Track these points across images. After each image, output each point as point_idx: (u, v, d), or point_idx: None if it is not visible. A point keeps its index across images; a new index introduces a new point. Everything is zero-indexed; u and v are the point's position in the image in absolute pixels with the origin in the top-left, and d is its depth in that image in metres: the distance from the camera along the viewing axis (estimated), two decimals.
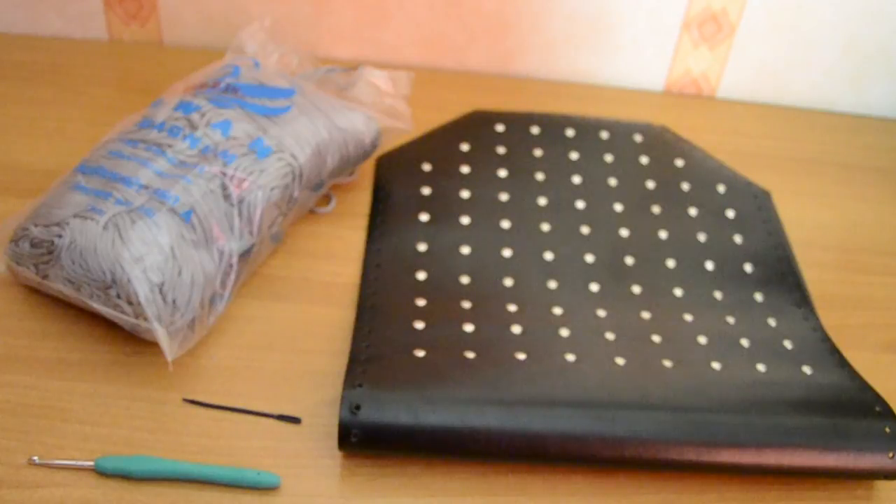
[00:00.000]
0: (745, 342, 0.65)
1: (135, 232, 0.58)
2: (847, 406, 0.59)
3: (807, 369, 0.63)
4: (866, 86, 0.91)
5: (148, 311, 0.57)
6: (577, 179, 0.76)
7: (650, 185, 0.77)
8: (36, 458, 0.55)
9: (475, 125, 0.80)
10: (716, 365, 0.63)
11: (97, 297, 0.58)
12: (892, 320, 0.71)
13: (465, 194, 0.74)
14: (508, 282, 0.68)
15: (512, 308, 0.66)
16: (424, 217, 0.72)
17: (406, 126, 0.74)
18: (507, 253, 0.70)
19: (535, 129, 0.80)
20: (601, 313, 0.67)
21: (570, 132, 0.80)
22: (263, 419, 0.59)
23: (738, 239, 0.74)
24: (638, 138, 0.80)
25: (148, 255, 0.58)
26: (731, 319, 0.67)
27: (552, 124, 0.80)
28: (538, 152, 0.78)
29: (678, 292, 0.69)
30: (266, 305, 0.66)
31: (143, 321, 0.57)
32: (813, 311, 0.69)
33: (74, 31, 0.89)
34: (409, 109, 0.74)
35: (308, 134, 0.68)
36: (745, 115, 0.90)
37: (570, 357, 0.62)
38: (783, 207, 0.79)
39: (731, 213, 0.76)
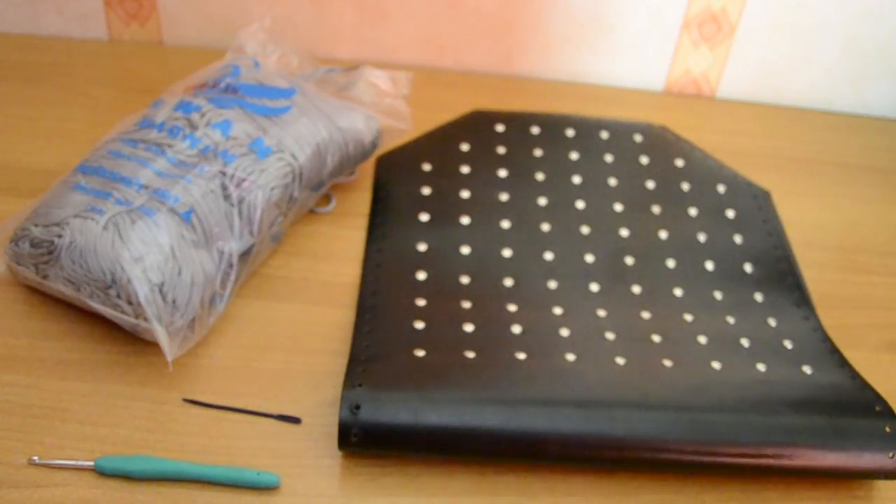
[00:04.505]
0: (745, 342, 0.65)
1: (135, 232, 0.58)
2: (847, 406, 0.59)
3: (807, 369, 0.63)
4: (866, 86, 0.92)
5: (148, 311, 0.57)
6: (577, 179, 0.76)
7: (650, 185, 0.77)
8: (36, 458, 0.54)
9: (475, 125, 0.80)
10: (716, 365, 0.63)
11: (97, 297, 0.58)
12: (892, 320, 0.71)
13: (465, 194, 0.74)
14: (508, 282, 0.68)
15: (512, 308, 0.66)
16: (424, 217, 0.72)
17: (406, 126, 0.74)
18: (507, 253, 0.70)
19: (535, 129, 0.80)
20: (601, 313, 0.67)
21: (570, 132, 0.80)
22: (263, 419, 0.59)
23: (737, 239, 0.74)
24: (638, 138, 0.80)
25: (148, 255, 0.58)
26: (731, 319, 0.67)
27: (552, 124, 0.80)
28: (538, 152, 0.78)
29: (678, 292, 0.69)
30: (266, 305, 0.66)
31: (143, 321, 0.57)
32: (813, 311, 0.69)
33: (74, 31, 0.89)
34: (409, 109, 0.74)
35: (308, 134, 0.68)
36: (745, 115, 0.90)
37: (570, 357, 0.62)
38: (783, 207, 0.79)
39: (731, 213, 0.76)
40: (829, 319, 0.70)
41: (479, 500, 0.56)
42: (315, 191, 0.70)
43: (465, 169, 0.76)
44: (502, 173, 0.76)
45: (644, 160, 0.78)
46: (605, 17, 0.87)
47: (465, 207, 0.73)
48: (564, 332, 0.64)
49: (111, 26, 0.88)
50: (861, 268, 0.75)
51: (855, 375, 0.63)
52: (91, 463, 0.54)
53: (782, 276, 0.71)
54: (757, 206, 0.77)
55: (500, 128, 0.80)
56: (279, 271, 0.68)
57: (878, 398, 0.60)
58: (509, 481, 0.57)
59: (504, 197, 0.74)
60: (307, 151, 0.67)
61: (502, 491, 0.57)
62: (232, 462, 0.56)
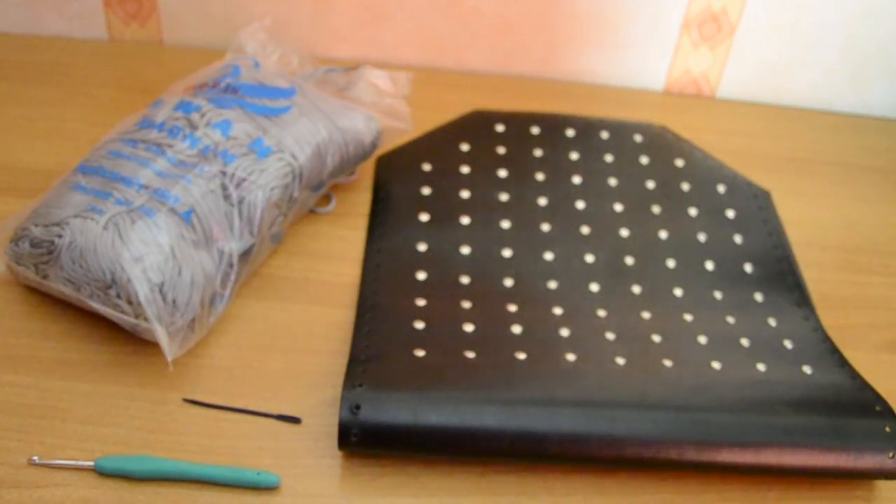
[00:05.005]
0: (745, 342, 0.65)
1: (135, 232, 0.58)
2: (847, 406, 0.59)
3: (807, 369, 0.63)
4: (866, 86, 0.92)
5: (148, 311, 0.57)
6: (577, 179, 0.76)
7: (650, 185, 0.77)
8: (36, 458, 0.55)
9: (475, 125, 0.80)
10: (716, 365, 0.63)
11: (97, 297, 0.58)
12: (892, 320, 0.71)
13: (465, 194, 0.74)
14: (508, 282, 0.68)
15: (512, 308, 0.66)
16: (424, 217, 0.72)
17: (406, 126, 0.74)
18: (507, 253, 0.70)
19: (535, 129, 0.80)
20: (601, 313, 0.67)
21: (570, 132, 0.80)
22: (263, 419, 0.59)
23: (737, 239, 0.74)
24: (638, 138, 0.80)
25: (148, 255, 0.58)
26: (731, 319, 0.67)
27: (552, 124, 0.80)
28: (538, 152, 0.78)
29: (678, 292, 0.69)
30: (266, 305, 0.66)
31: (143, 321, 0.57)
32: (813, 311, 0.69)
33: (74, 31, 0.89)
34: (409, 109, 0.74)
35: (308, 134, 0.68)
36: (745, 115, 0.90)
37: (570, 357, 0.62)
38: (783, 207, 0.79)
39: (730, 213, 0.76)
40: (829, 319, 0.70)
41: (479, 500, 0.56)
42: (315, 191, 0.70)
43: (465, 169, 0.76)
44: (502, 173, 0.76)
45: (644, 160, 0.79)
46: (604, 17, 0.87)
47: (465, 207, 0.73)
48: (564, 332, 0.64)
49: (111, 26, 0.88)
50: (861, 268, 0.75)
51: (855, 375, 0.63)
52: (91, 463, 0.54)
53: (782, 276, 0.71)
54: (757, 206, 0.77)
55: (500, 128, 0.80)
56: (279, 271, 0.68)
57: (878, 398, 0.60)
58: (509, 481, 0.57)
59: (504, 197, 0.74)
60: (307, 151, 0.67)
61: (502, 491, 0.57)
62: (232, 462, 0.56)
